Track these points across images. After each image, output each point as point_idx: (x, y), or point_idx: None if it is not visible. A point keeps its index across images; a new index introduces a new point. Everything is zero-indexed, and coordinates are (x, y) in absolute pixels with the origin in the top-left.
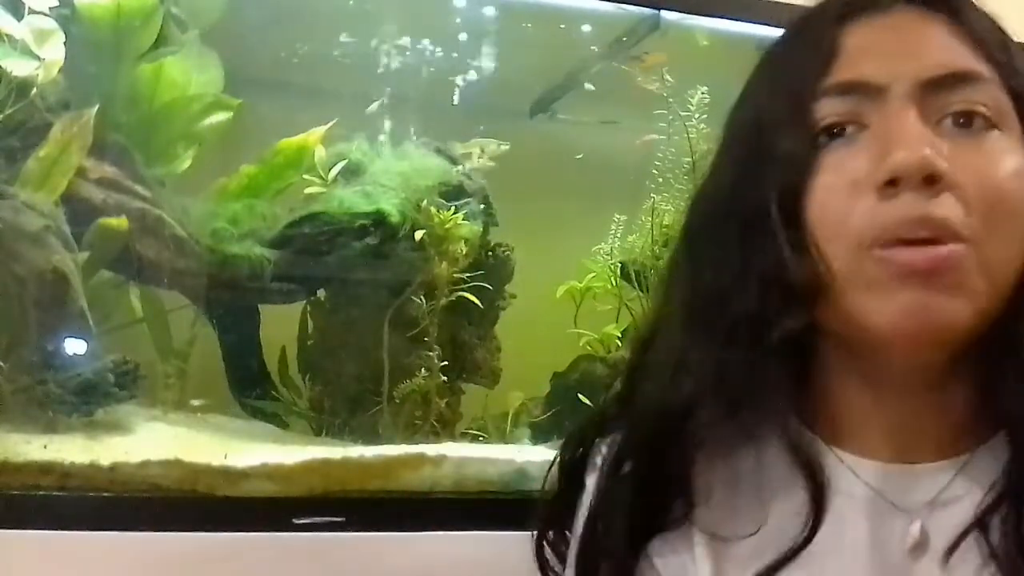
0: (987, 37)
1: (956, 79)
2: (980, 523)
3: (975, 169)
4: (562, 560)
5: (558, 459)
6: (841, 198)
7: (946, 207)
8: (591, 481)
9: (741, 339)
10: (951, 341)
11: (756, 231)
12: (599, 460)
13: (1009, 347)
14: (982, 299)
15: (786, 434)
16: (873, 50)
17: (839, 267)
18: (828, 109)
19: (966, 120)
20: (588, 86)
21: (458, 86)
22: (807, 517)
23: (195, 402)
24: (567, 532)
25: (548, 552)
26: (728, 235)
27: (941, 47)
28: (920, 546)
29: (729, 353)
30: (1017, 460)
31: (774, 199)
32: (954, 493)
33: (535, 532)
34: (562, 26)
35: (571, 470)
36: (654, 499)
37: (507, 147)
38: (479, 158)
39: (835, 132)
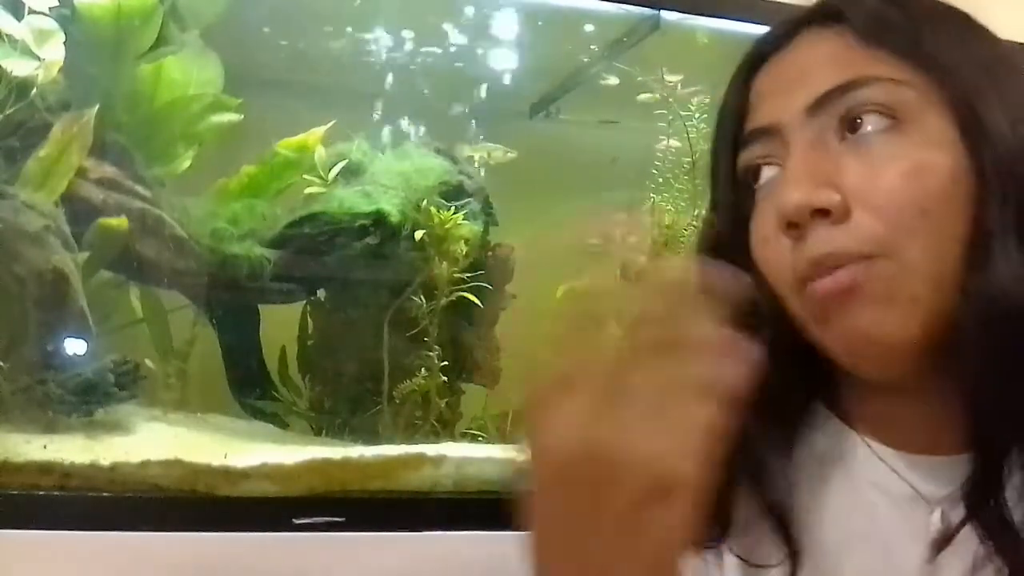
0: (883, 29)
1: (834, 94)
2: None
3: (873, 179)
4: None
5: None
6: (767, 247)
7: (846, 238)
8: None
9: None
10: (911, 350)
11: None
12: None
13: (962, 346)
14: (923, 304)
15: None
16: (771, 91)
17: (794, 309)
18: (746, 157)
19: (852, 128)
20: (612, 79)
21: (458, 86)
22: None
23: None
24: None
25: None
26: (726, 255)
27: (821, 66)
28: (944, 536)
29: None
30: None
31: (735, 243)
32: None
33: None
34: (562, 26)
35: None
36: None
37: (514, 155)
38: (477, 163)
39: (758, 174)
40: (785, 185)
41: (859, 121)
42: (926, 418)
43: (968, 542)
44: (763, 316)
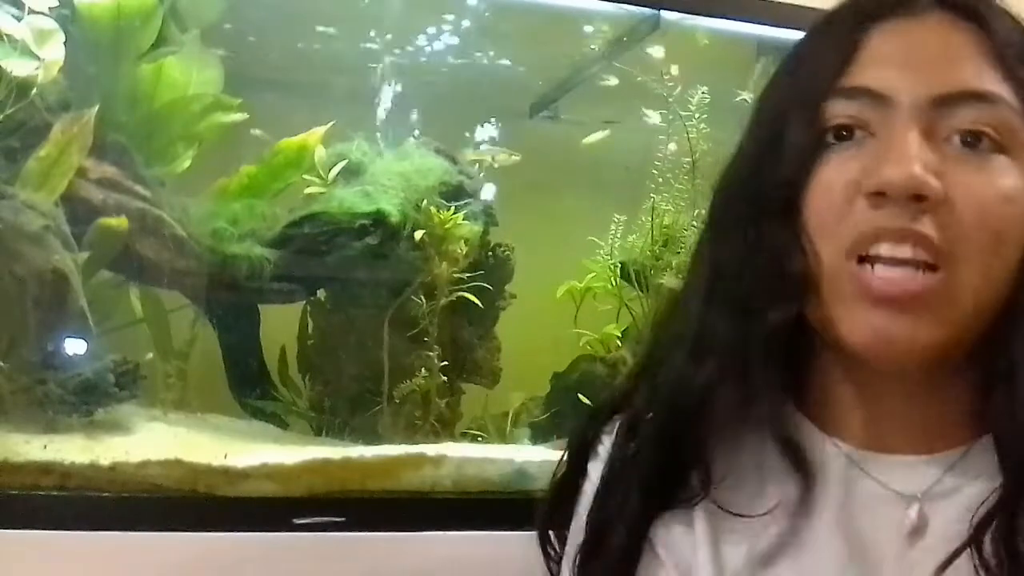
0: (1013, 55)
1: (967, 98)
2: (974, 538)
3: (969, 191)
4: (563, 541)
5: (568, 443)
6: (835, 199)
7: (928, 226)
8: (594, 468)
9: (751, 320)
10: (924, 359)
11: (765, 216)
12: (602, 449)
13: (995, 368)
14: (955, 324)
15: (776, 426)
16: (890, 58)
17: (825, 268)
18: (838, 110)
19: (972, 140)
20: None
21: (458, 86)
22: (795, 507)
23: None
24: (569, 515)
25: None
26: (743, 215)
27: (959, 62)
28: (918, 531)
29: (743, 335)
30: (1006, 474)
31: (779, 189)
32: (946, 487)
33: (539, 514)
34: (562, 26)
35: (577, 454)
36: (671, 471)
37: (518, 158)
38: (481, 166)
39: (843, 134)
40: (894, 158)
41: (979, 135)
42: (899, 421)
43: (943, 537)
44: (762, 309)
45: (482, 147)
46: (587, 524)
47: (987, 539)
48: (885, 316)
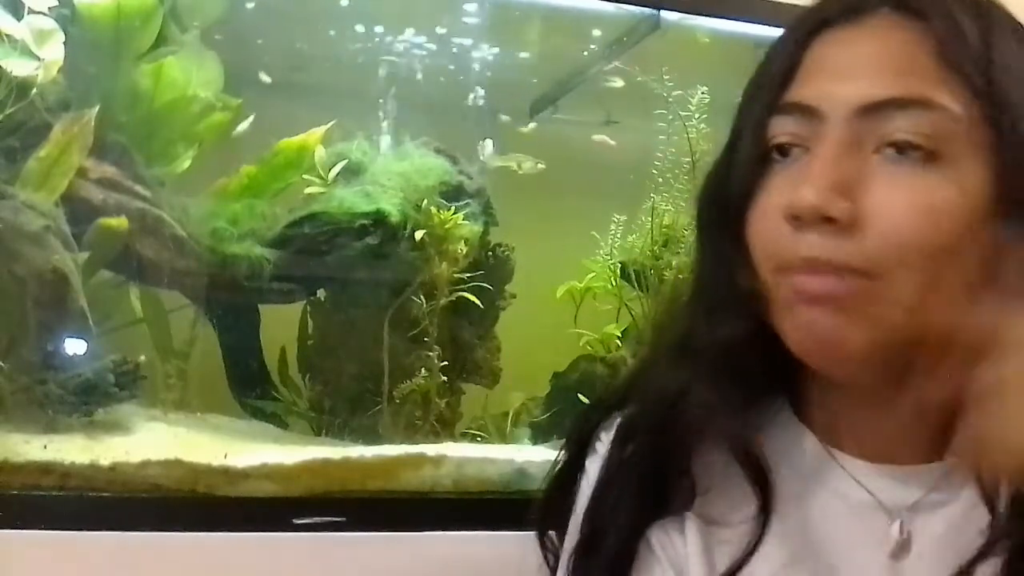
0: (961, 52)
1: (895, 105)
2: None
3: (891, 204)
4: (561, 539)
5: (566, 440)
6: (769, 222)
7: (844, 250)
8: (592, 465)
9: (713, 330)
10: (862, 364)
11: (719, 228)
12: (599, 446)
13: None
14: (887, 330)
15: (732, 438)
16: (824, 69)
17: (766, 286)
18: (778, 127)
19: (901, 149)
20: (613, 79)
21: (458, 86)
22: (758, 520)
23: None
24: (567, 512)
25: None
26: (709, 219)
27: (895, 67)
28: (903, 547)
29: (706, 340)
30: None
31: (729, 204)
32: (937, 497)
33: (536, 511)
34: (562, 26)
35: (574, 452)
36: (660, 480)
37: (543, 165)
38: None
39: (784, 151)
40: (805, 180)
41: (907, 147)
42: (889, 428)
43: (933, 554)
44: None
45: (510, 154)
46: (582, 525)
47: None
48: (816, 313)
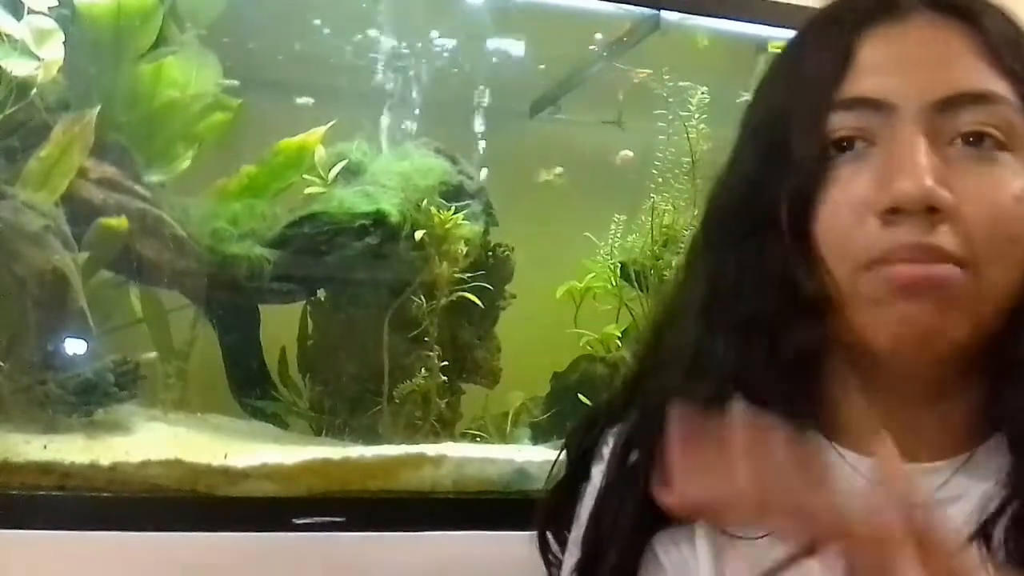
0: (1006, 50)
1: (967, 99)
2: (983, 531)
3: (980, 195)
4: (564, 545)
5: (565, 446)
6: (845, 219)
7: (944, 237)
8: (597, 471)
9: (758, 340)
10: (949, 354)
11: (770, 232)
12: (606, 451)
13: (1009, 364)
14: (980, 319)
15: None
16: (886, 64)
17: (843, 285)
18: (838, 122)
19: (976, 141)
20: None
21: (458, 85)
22: None
23: None
24: (570, 520)
25: (550, 539)
26: (745, 231)
27: (955, 63)
28: None
29: (748, 353)
30: (1017, 470)
31: (785, 206)
32: (952, 492)
33: (539, 518)
34: (562, 26)
35: (578, 459)
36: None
37: (560, 170)
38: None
39: (845, 146)
40: (899, 172)
41: (982, 135)
42: (908, 427)
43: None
44: (781, 329)
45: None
46: (584, 534)
47: (996, 533)
48: (914, 306)
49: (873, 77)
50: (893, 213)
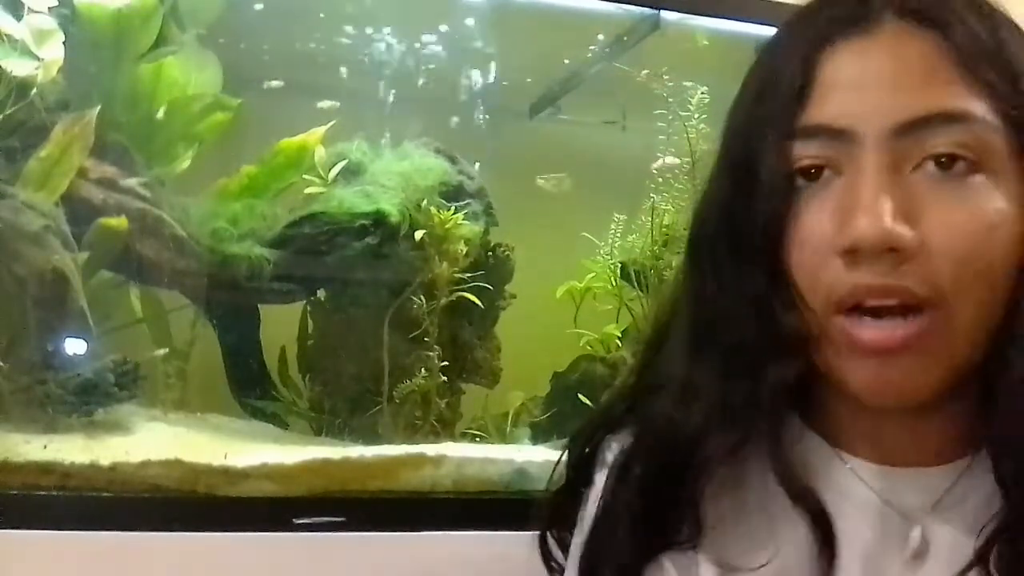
0: (982, 61)
1: (936, 120)
2: (980, 558)
3: (949, 225)
4: (566, 551)
5: (566, 453)
6: (810, 257)
7: (909, 277)
8: (600, 478)
9: (740, 369)
10: (929, 394)
11: (747, 260)
12: (609, 456)
13: (991, 388)
14: (951, 359)
15: (780, 468)
16: (846, 86)
17: (818, 320)
18: (802, 151)
19: (947, 163)
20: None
21: (458, 85)
22: (817, 547)
23: None
24: (572, 525)
25: (552, 544)
26: (723, 256)
27: (924, 80)
28: (920, 553)
29: (731, 383)
30: (1005, 497)
31: (757, 236)
32: (956, 497)
33: (540, 523)
34: (562, 26)
35: (580, 465)
36: (661, 515)
37: (560, 177)
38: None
39: (813, 172)
40: (856, 209)
41: (954, 157)
42: (911, 433)
43: (951, 555)
44: (763, 361)
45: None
46: (582, 554)
47: (991, 561)
48: (879, 364)
49: (835, 101)
50: (853, 254)
